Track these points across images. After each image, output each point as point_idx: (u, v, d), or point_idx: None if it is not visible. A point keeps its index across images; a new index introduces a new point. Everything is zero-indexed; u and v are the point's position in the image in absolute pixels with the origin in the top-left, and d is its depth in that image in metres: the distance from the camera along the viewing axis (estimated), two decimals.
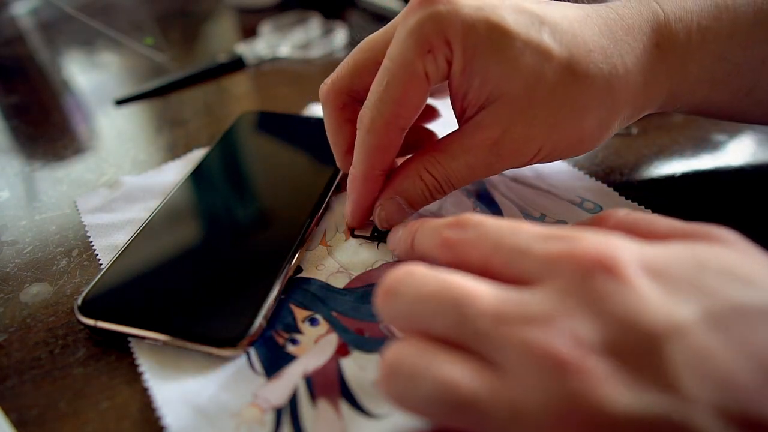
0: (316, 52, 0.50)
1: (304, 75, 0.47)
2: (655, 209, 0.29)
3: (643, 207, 0.29)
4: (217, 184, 0.31)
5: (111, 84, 0.47)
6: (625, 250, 0.15)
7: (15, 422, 0.21)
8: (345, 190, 0.27)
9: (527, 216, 0.29)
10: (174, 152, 0.36)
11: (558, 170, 0.32)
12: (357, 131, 0.24)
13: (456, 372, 0.14)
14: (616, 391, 0.13)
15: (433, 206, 0.30)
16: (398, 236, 0.23)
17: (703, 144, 0.35)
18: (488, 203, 0.30)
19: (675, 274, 0.15)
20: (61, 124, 0.41)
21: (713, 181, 0.31)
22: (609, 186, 0.31)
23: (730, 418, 0.12)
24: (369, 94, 0.23)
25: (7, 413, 0.21)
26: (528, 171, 0.32)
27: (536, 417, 0.13)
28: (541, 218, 0.29)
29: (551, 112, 0.23)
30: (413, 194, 0.25)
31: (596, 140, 0.25)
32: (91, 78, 0.49)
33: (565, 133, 0.24)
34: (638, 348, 0.13)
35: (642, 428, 0.12)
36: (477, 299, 0.15)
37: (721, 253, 0.15)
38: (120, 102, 0.43)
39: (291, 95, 0.43)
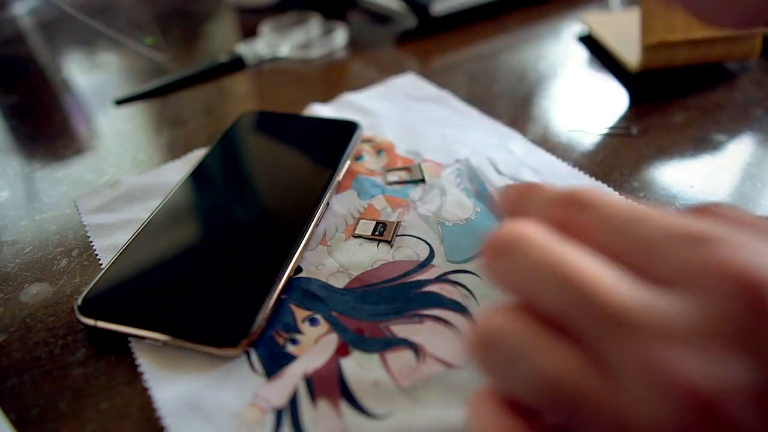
0: (316, 52, 0.50)
1: (304, 75, 0.47)
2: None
3: None
4: (217, 184, 0.31)
5: (111, 84, 0.47)
6: None
7: (15, 422, 0.21)
8: (345, 189, 0.27)
9: None
10: (174, 152, 0.36)
11: (558, 170, 0.32)
12: None
13: (562, 364, 0.13)
14: None
15: (433, 206, 0.30)
16: (503, 194, 0.18)
17: (703, 144, 0.35)
18: (488, 204, 0.30)
19: None
20: (61, 124, 0.41)
21: (713, 181, 0.31)
22: (609, 186, 0.31)
23: None
24: None
25: (7, 413, 0.21)
26: (528, 171, 0.32)
27: None
28: None
29: None
30: None
31: None
32: (91, 78, 0.49)
33: None
34: None
35: None
36: (605, 289, 0.13)
37: None
38: (120, 102, 0.43)
39: (291, 95, 0.43)
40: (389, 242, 0.27)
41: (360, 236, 0.28)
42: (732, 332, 0.11)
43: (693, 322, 0.12)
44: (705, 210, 0.15)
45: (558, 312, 0.13)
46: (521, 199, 0.17)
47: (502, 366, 0.14)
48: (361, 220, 0.29)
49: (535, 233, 0.14)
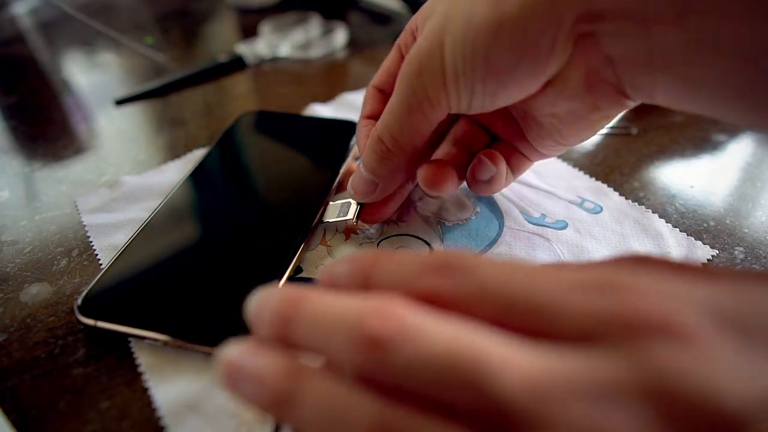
0: (316, 52, 0.50)
1: (304, 75, 0.47)
2: (655, 209, 0.29)
3: (643, 207, 0.29)
4: (217, 184, 0.31)
5: (111, 84, 0.47)
6: (691, 302, 0.12)
7: (15, 422, 0.21)
8: (345, 189, 0.27)
9: (527, 216, 0.29)
10: (174, 152, 0.36)
11: (558, 170, 0.32)
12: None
13: None
14: None
15: (432, 206, 0.30)
16: (338, 270, 0.15)
17: (703, 144, 0.35)
18: (488, 204, 0.30)
19: (755, 326, 0.11)
20: (61, 124, 0.41)
21: (713, 181, 0.31)
22: (609, 186, 0.31)
23: None
24: None
25: (7, 413, 0.21)
26: (528, 171, 0.32)
27: None
28: (542, 218, 0.29)
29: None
30: (367, 159, 0.25)
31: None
32: (91, 78, 0.49)
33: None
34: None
35: None
36: (502, 368, 0.11)
37: None
38: (120, 102, 0.43)
39: (291, 95, 0.43)
40: (354, 221, 0.27)
41: (327, 222, 0.28)
42: (635, 379, 0.11)
43: (601, 376, 0.11)
44: (624, 260, 0.14)
45: (460, 405, 0.11)
46: (372, 269, 0.14)
47: None
48: (330, 203, 0.29)
49: (414, 324, 0.12)
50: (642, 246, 0.27)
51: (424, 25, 0.23)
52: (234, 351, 0.14)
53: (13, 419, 0.21)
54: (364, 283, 0.14)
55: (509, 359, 0.11)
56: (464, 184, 0.28)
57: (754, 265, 0.26)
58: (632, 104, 0.22)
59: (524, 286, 0.13)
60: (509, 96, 0.21)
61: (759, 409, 0.10)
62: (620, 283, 0.12)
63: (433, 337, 0.12)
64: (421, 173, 0.25)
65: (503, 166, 0.26)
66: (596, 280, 0.12)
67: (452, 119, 0.28)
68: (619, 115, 0.38)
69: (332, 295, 0.13)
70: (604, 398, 0.11)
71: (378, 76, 0.28)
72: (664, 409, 0.10)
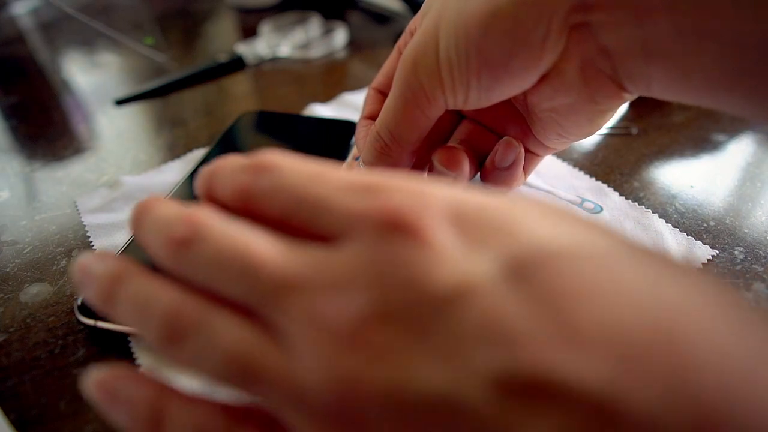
0: (316, 52, 0.50)
1: (304, 75, 0.47)
2: (655, 209, 0.29)
3: (643, 207, 0.29)
4: None
5: (111, 84, 0.47)
6: (433, 202, 0.13)
7: (15, 422, 0.21)
8: None
9: None
10: (174, 152, 0.36)
11: (558, 170, 0.32)
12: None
13: (241, 341, 0.13)
14: (394, 368, 0.11)
15: None
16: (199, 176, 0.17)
17: (703, 144, 0.35)
18: None
19: (485, 220, 0.13)
20: (61, 124, 0.41)
21: (713, 181, 0.31)
22: (609, 186, 0.31)
23: (508, 389, 0.11)
24: None
25: (7, 413, 0.21)
26: None
27: (317, 398, 0.12)
28: None
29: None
30: (366, 155, 0.25)
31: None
32: (91, 78, 0.49)
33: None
34: (423, 317, 0.12)
35: (426, 409, 0.11)
36: (265, 261, 0.13)
37: (537, 201, 0.14)
38: (120, 102, 0.43)
39: (291, 95, 0.43)
40: None
41: None
42: (365, 269, 0.12)
43: (340, 269, 0.13)
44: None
45: (239, 296, 0.13)
46: (212, 176, 0.16)
47: (186, 351, 0.13)
48: None
49: (209, 228, 0.14)
50: None
51: (421, 20, 0.23)
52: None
53: (13, 419, 0.21)
54: (210, 184, 0.16)
55: (273, 257, 0.13)
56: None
57: (754, 265, 0.26)
58: (630, 97, 0.22)
59: (310, 187, 0.14)
60: (505, 90, 0.21)
61: (455, 291, 0.12)
62: (384, 185, 0.14)
63: (221, 237, 0.14)
64: (437, 155, 0.25)
65: (522, 151, 0.26)
66: (368, 182, 0.14)
67: (455, 120, 0.28)
68: (619, 115, 0.38)
69: (165, 207, 0.15)
70: (336, 289, 0.12)
71: (378, 78, 0.28)
72: (379, 296, 0.12)
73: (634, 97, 0.21)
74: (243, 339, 0.13)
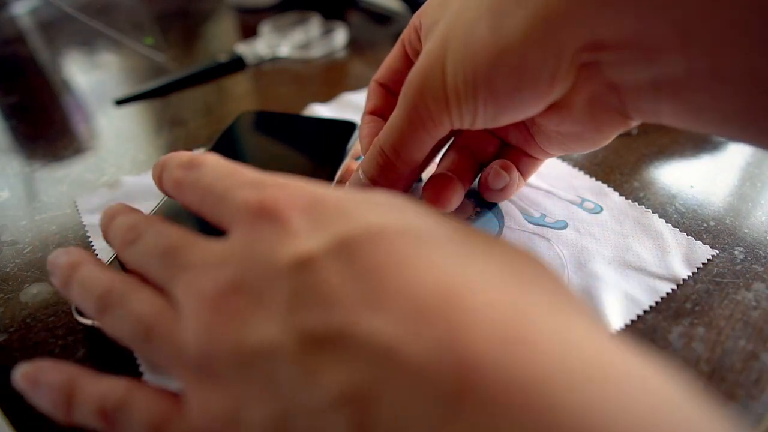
0: (316, 52, 0.50)
1: (304, 75, 0.47)
2: (655, 209, 0.29)
3: (643, 207, 0.29)
4: None
5: (111, 84, 0.47)
6: (298, 195, 0.16)
7: (15, 422, 0.21)
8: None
9: (527, 216, 0.29)
10: (174, 152, 0.36)
11: (558, 170, 0.32)
12: None
13: (148, 306, 0.16)
14: (239, 327, 0.14)
15: None
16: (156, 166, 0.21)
17: (703, 144, 0.35)
18: (488, 203, 0.30)
19: (332, 210, 0.16)
20: (61, 124, 0.41)
21: (713, 181, 0.31)
22: (609, 186, 0.31)
23: (315, 341, 0.13)
24: None
25: (7, 413, 0.21)
26: None
27: (188, 353, 0.15)
28: (542, 218, 0.29)
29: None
30: (368, 167, 0.25)
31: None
32: (91, 78, 0.49)
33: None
34: (267, 284, 0.14)
35: (256, 358, 0.14)
36: (177, 250, 0.17)
37: (394, 198, 0.17)
38: (120, 102, 0.43)
39: (291, 95, 0.43)
40: None
41: None
42: (237, 250, 0.16)
43: (227, 248, 0.16)
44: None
45: (158, 277, 0.17)
46: (161, 169, 0.20)
47: (109, 317, 0.17)
48: None
49: (152, 224, 0.18)
50: (642, 246, 0.27)
51: (427, 31, 0.23)
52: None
53: (13, 419, 0.21)
54: (159, 174, 0.21)
55: (183, 247, 0.17)
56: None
57: (754, 265, 0.26)
58: (635, 124, 0.22)
59: (217, 183, 0.18)
60: (511, 117, 0.21)
61: (295, 263, 0.14)
62: (267, 181, 0.17)
63: (152, 237, 0.18)
64: (427, 192, 0.26)
65: (515, 174, 0.27)
66: (257, 179, 0.17)
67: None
68: None
69: (123, 217, 0.20)
70: (214, 265, 0.16)
71: (381, 72, 0.28)
72: (240, 268, 0.15)
73: (639, 123, 0.22)
74: (151, 308, 0.16)
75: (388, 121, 0.23)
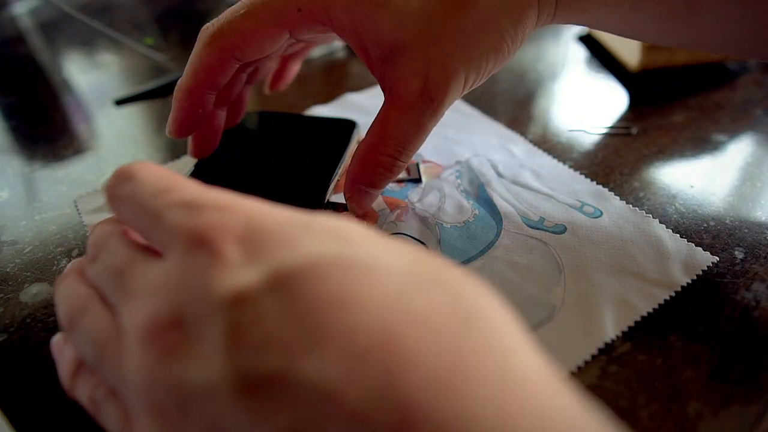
0: (316, 52, 0.49)
1: (304, 75, 0.47)
2: (655, 209, 0.29)
3: (643, 212, 0.29)
4: (217, 184, 0.31)
5: (111, 84, 0.47)
6: (234, 220, 0.15)
7: (15, 422, 0.21)
8: (343, 188, 0.27)
9: (526, 220, 0.29)
10: (174, 152, 0.36)
11: (558, 173, 0.32)
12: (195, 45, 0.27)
13: (102, 327, 0.16)
14: (175, 366, 0.14)
15: (431, 208, 0.30)
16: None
17: (703, 144, 0.35)
18: (488, 206, 0.30)
19: (269, 237, 0.15)
20: (61, 124, 0.41)
21: (713, 181, 0.31)
22: (609, 187, 0.31)
23: (250, 385, 0.13)
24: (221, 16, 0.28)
25: (7, 413, 0.21)
26: (528, 173, 0.32)
27: (134, 386, 0.14)
28: (540, 221, 0.29)
29: (456, 38, 0.23)
30: (375, 178, 0.25)
31: (513, 44, 0.25)
32: (90, 78, 0.49)
33: (481, 50, 0.24)
34: (202, 320, 0.14)
35: (195, 399, 0.13)
36: (124, 272, 0.16)
37: (338, 222, 0.16)
38: (120, 102, 0.43)
39: (291, 95, 0.43)
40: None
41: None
42: (171, 280, 0.15)
43: (153, 279, 0.15)
44: None
45: (109, 298, 0.17)
46: (112, 177, 0.19)
47: (71, 329, 0.17)
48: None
49: (112, 237, 0.18)
50: (641, 252, 0.27)
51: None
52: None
53: (13, 419, 0.21)
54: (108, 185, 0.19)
55: (130, 269, 0.16)
56: (460, 189, 0.28)
57: (754, 265, 0.26)
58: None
59: (150, 201, 0.17)
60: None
61: (230, 299, 0.14)
62: (202, 203, 0.16)
63: (106, 257, 0.18)
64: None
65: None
66: (192, 199, 0.16)
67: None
68: (619, 115, 0.38)
69: (97, 230, 0.19)
70: (150, 294, 0.15)
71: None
72: (174, 301, 0.14)
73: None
74: (101, 334, 0.16)
75: (390, 128, 0.25)
